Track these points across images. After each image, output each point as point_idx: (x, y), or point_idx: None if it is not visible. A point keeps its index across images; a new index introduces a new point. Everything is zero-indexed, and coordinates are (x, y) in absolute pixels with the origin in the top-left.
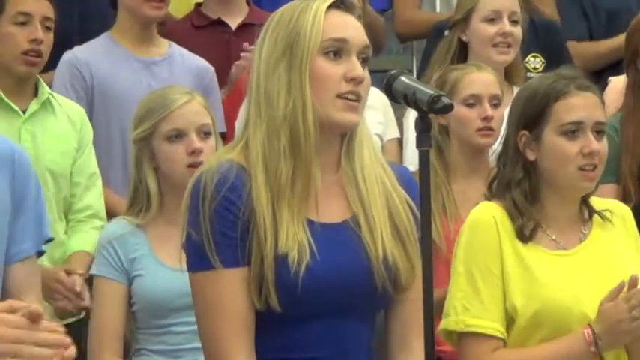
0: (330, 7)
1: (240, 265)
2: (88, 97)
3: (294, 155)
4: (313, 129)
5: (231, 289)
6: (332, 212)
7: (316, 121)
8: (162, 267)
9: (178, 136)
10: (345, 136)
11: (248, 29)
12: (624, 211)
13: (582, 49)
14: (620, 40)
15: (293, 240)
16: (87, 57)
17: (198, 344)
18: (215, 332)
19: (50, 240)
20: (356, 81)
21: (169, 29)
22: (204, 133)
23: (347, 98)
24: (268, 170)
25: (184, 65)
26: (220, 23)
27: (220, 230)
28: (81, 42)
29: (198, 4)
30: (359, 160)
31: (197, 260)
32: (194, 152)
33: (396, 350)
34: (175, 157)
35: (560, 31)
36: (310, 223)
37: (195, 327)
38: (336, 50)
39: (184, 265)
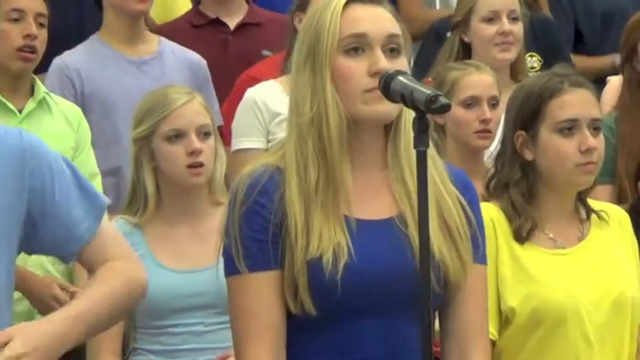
0: (352, 1)
1: (269, 268)
2: (77, 103)
3: (324, 158)
4: (337, 130)
5: (258, 294)
6: (376, 209)
7: (342, 122)
8: (161, 268)
9: (178, 136)
10: (389, 131)
11: (246, 29)
12: (621, 216)
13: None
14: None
15: (328, 242)
16: (76, 62)
17: (196, 345)
18: (241, 337)
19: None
20: (380, 74)
21: (168, 28)
22: (204, 134)
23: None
24: (300, 176)
25: (176, 61)
26: (219, 23)
27: (248, 235)
28: (78, 42)
29: (197, 2)
30: (406, 155)
31: (228, 265)
32: (194, 152)
33: (454, 355)
34: (175, 157)
35: (558, 30)
36: (350, 221)
37: (193, 328)
38: (357, 46)
39: (183, 267)
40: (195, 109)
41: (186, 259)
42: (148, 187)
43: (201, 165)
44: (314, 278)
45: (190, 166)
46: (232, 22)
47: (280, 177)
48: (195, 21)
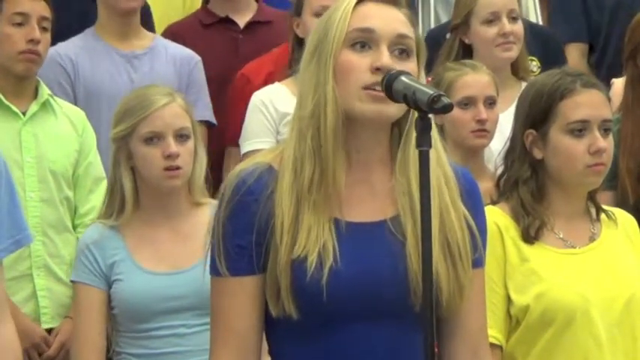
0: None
1: (248, 273)
2: (73, 93)
3: (320, 154)
4: (333, 126)
5: (230, 299)
6: (370, 211)
7: (338, 117)
8: (141, 271)
9: (155, 138)
10: (396, 135)
11: (256, 27)
12: (627, 220)
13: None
14: None
15: (315, 242)
16: (69, 52)
17: (179, 348)
18: (211, 339)
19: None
20: (381, 71)
21: (176, 28)
22: (182, 136)
23: (374, 89)
24: (296, 172)
25: (167, 57)
26: (229, 21)
27: (231, 236)
28: None
29: (206, 1)
30: (414, 168)
31: (211, 265)
32: (170, 156)
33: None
34: (151, 159)
35: (559, 42)
36: (340, 223)
37: (176, 331)
38: (363, 41)
39: (164, 269)
40: (174, 111)
41: (166, 260)
42: (125, 187)
43: (177, 168)
44: (297, 279)
45: (167, 169)
46: (242, 21)
47: (271, 176)
48: (204, 20)
